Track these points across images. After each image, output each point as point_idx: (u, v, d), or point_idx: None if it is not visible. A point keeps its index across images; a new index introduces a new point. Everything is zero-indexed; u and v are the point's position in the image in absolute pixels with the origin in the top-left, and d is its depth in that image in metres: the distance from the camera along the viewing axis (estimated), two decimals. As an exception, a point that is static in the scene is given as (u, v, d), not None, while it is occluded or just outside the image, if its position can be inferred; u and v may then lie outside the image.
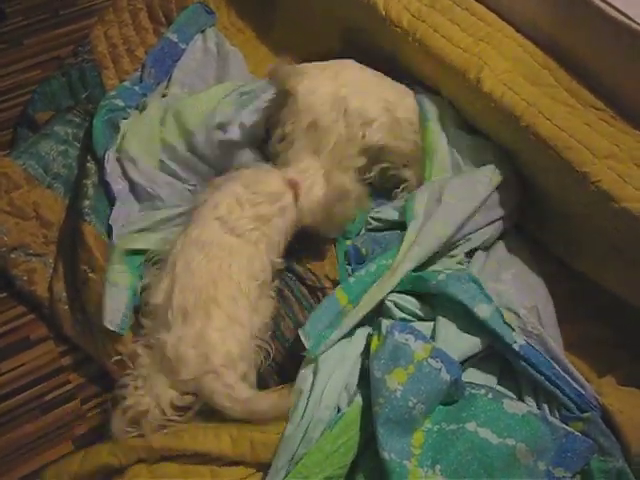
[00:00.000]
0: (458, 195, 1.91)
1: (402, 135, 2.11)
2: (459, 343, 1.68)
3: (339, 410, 1.63)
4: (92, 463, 1.67)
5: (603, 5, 1.77)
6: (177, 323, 1.72)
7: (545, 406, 1.64)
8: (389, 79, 2.17)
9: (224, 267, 1.78)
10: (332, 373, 1.66)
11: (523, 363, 1.64)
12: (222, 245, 1.81)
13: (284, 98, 2.03)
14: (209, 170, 2.24)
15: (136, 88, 2.57)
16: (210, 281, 1.76)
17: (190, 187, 2.25)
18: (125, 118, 2.41)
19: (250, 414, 1.64)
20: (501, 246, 1.98)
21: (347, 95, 2.04)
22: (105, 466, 1.66)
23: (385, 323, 1.69)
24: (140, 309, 1.88)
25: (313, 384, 1.65)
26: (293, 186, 1.91)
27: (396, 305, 1.78)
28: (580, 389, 1.64)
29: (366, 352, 1.70)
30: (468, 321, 1.70)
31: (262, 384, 1.83)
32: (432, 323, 1.74)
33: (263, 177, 1.93)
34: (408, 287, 1.81)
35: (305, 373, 1.69)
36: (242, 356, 1.73)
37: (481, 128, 2.07)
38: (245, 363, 1.73)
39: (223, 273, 1.77)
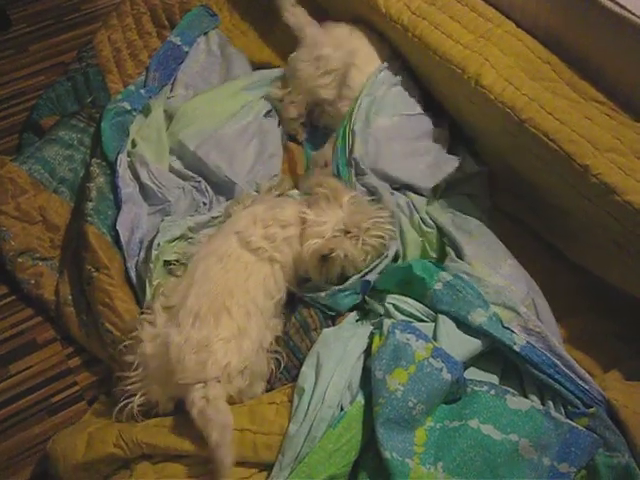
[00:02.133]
0: None
1: None
2: (461, 344, 1.68)
3: (342, 408, 1.63)
4: (97, 452, 1.69)
5: (603, -1, 1.77)
6: (186, 325, 1.73)
7: (550, 402, 1.64)
8: None
9: (240, 280, 1.81)
10: (334, 372, 1.66)
11: (526, 363, 1.64)
12: (239, 258, 1.85)
13: None
14: (213, 170, 2.26)
15: (142, 91, 2.59)
16: (226, 290, 1.78)
17: (195, 184, 2.27)
18: (132, 122, 2.43)
19: (207, 433, 1.62)
20: (495, 237, 1.98)
21: None
22: (110, 456, 1.69)
23: (387, 322, 1.69)
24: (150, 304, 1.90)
25: (315, 383, 1.66)
26: (303, 222, 1.91)
27: (396, 308, 1.78)
28: (584, 385, 1.63)
29: (368, 350, 1.70)
30: (467, 324, 1.71)
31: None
32: (433, 324, 1.74)
33: (282, 203, 1.99)
34: (406, 292, 1.82)
35: (306, 371, 1.70)
36: (242, 371, 1.73)
37: (478, 125, 2.07)
38: (244, 378, 1.73)
39: (240, 285, 1.80)
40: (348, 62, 2.29)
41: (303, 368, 1.72)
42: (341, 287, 1.87)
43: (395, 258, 1.98)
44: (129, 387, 1.75)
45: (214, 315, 1.74)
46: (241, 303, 1.78)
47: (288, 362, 1.83)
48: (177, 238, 2.07)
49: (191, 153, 2.30)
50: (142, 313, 1.88)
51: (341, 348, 1.71)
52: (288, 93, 2.43)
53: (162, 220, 2.12)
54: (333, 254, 1.83)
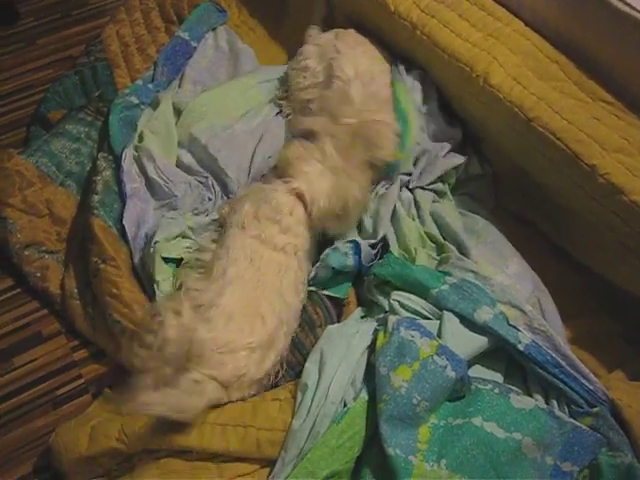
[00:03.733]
0: None
1: None
2: (466, 341, 1.68)
3: (345, 405, 1.64)
4: (100, 446, 1.70)
5: (612, -1, 1.76)
6: (218, 323, 1.72)
7: (554, 402, 1.64)
8: None
9: (276, 283, 1.81)
10: (338, 367, 1.67)
11: (530, 362, 1.65)
12: (271, 260, 1.85)
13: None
14: (222, 167, 2.26)
15: (150, 86, 2.59)
16: (263, 295, 1.78)
17: (202, 179, 2.27)
18: (140, 117, 2.43)
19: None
20: (502, 236, 1.98)
21: None
22: (113, 450, 1.69)
23: (392, 319, 1.69)
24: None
25: (319, 379, 1.66)
26: (300, 197, 1.94)
27: (401, 305, 1.78)
28: (588, 384, 1.63)
29: (372, 346, 1.70)
30: (473, 322, 1.71)
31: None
32: (438, 322, 1.74)
33: (271, 194, 1.96)
34: (411, 290, 1.82)
35: (310, 367, 1.70)
36: (256, 381, 1.74)
37: (485, 124, 2.07)
38: (251, 389, 1.74)
39: (275, 289, 1.80)
40: (331, 74, 2.26)
41: (307, 364, 1.72)
42: (332, 247, 1.96)
43: (386, 245, 2.00)
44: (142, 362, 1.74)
45: (248, 320, 1.74)
46: (276, 310, 1.78)
47: (292, 359, 1.83)
48: (176, 236, 2.06)
49: (202, 147, 2.29)
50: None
51: (345, 344, 1.72)
52: (287, 95, 2.44)
53: (162, 216, 2.12)
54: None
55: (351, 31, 2.33)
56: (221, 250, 1.90)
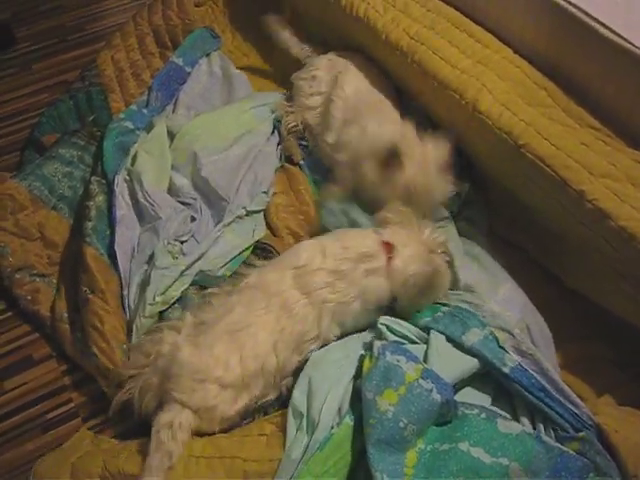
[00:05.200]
0: None
1: None
2: (453, 361, 1.68)
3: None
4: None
5: (599, 27, 1.78)
6: (203, 348, 1.71)
7: (541, 426, 1.63)
8: None
9: (276, 329, 1.74)
10: (327, 394, 1.66)
11: (515, 385, 1.65)
12: (286, 302, 1.76)
13: None
14: (214, 188, 2.28)
15: (144, 111, 2.62)
16: (255, 336, 1.73)
17: (190, 201, 2.28)
18: (135, 142, 2.45)
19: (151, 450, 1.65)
20: (490, 265, 1.98)
21: None
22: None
23: (377, 344, 1.68)
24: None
25: (309, 406, 1.66)
26: (388, 250, 1.81)
27: (388, 329, 1.78)
28: (574, 408, 1.63)
29: (359, 372, 1.69)
30: (461, 344, 1.72)
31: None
32: (425, 346, 1.74)
33: (357, 234, 1.88)
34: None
35: (298, 395, 1.70)
36: (227, 418, 1.73)
37: (475, 149, 2.09)
38: (225, 423, 1.74)
39: (272, 335, 1.73)
40: (333, 87, 2.34)
41: (295, 393, 1.71)
42: None
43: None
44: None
45: (228, 354, 1.70)
46: (261, 355, 1.71)
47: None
48: (170, 285, 2.04)
49: (195, 169, 2.32)
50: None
51: (333, 370, 1.71)
52: (291, 105, 2.48)
53: (153, 268, 2.05)
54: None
55: (360, 55, 2.40)
56: (253, 276, 1.86)
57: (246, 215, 2.24)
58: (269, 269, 1.86)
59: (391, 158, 1.96)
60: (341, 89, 2.30)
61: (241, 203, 2.25)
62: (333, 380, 1.69)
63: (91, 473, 1.69)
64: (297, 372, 1.78)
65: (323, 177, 2.33)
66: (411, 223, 1.86)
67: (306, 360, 1.78)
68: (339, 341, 1.85)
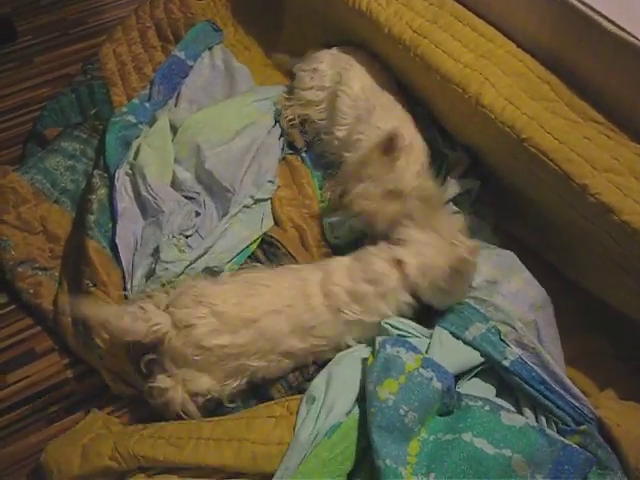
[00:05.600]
0: None
1: None
2: (456, 352, 1.70)
3: (340, 419, 1.64)
4: (93, 465, 1.70)
5: (602, 20, 1.78)
6: (218, 283, 1.84)
7: (542, 419, 1.65)
8: None
9: (286, 302, 1.78)
10: (345, 386, 1.67)
11: (515, 378, 1.66)
12: (306, 290, 1.79)
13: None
14: (218, 179, 2.28)
15: (146, 105, 2.61)
16: (266, 295, 1.79)
17: (194, 195, 2.28)
18: (138, 136, 2.45)
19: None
20: (505, 256, 1.96)
21: None
22: (106, 469, 1.69)
23: (378, 339, 1.70)
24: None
25: (326, 393, 1.67)
26: (398, 266, 1.78)
27: (393, 327, 1.78)
28: (575, 402, 1.64)
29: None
30: (463, 338, 1.73)
31: (267, 396, 1.85)
32: (428, 340, 1.75)
33: (370, 254, 1.85)
34: None
35: (318, 383, 1.71)
36: (200, 347, 1.74)
37: (478, 144, 2.10)
38: (197, 354, 1.75)
39: (281, 305, 1.77)
40: (338, 82, 2.33)
41: (315, 380, 1.73)
42: None
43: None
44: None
45: (231, 293, 1.78)
46: (259, 310, 1.76)
47: (292, 377, 1.85)
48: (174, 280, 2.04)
49: (199, 161, 2.32)
50: None
51: (353, 366, 1.72)
52: (290, 98, 2.48)
53: (158, 261, 2.05)
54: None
55: (363, 50, 2.39)
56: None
57: (254, 204, 2.25)
58: (304, 265, 1.95)
59: (390, 144, 1.95)
60: (347, 86, 2.29)
61: (248, 192, 2.25)
62: (353, 374, 1.70)
63: (102, 454, 1.69)
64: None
65: (324, 172, 2.35)
66: (428, 217, 1.84)
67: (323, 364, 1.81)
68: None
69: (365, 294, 1.77)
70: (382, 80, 2.31)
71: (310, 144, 2.44)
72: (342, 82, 2.31)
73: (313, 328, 1.78)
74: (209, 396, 1.79)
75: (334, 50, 2.44)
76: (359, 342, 1.82)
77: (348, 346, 1.81)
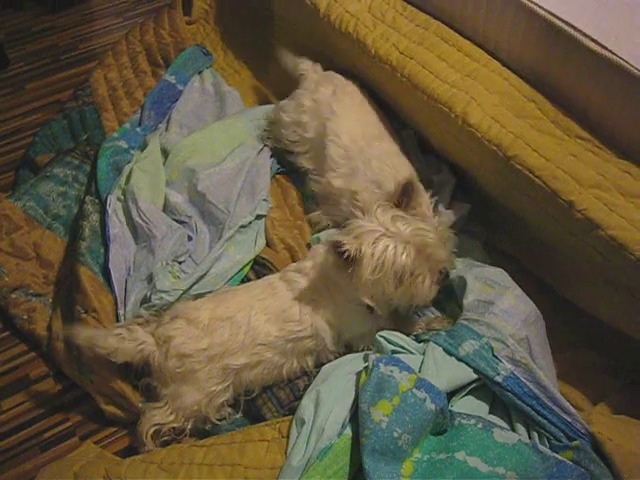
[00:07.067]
0: None
1: None
2: (450, 369, 1.70)
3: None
4: None
5: (585, 39, 1.80)
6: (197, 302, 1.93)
7: (535, 435, 1.65)
8: None
9: (257, 297, 1.91)
10: (334, 405, 1.68)
11: (508, 394, 1.66)
12: (271, 284, 1.95)
13: None
14: (212, 204, 2.30)
15: (137, 129, 2.63)
16: (238, 296, 1.93)
17: (186, 219, 2.29)
18: (129, 161, 2.46)
19: None
20: (496, 273, 1.97)
21: None
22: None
23: (372, 357, 1.70)
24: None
25: (315, 415, 1.67)
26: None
27: (387, 340, 1.79)
28: (567, 417, 1.64)
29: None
30: (457, 355, 1.74)
31: (258, 417, 1.86)
32: (421, 356, 1.76)
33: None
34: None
35: (306, 404, 1.72)
36: (181, 354, 1.83)
37: (465, 163, 2.11)
38: (179, 364, 1.83)
39: (253, 300, 1.90)
40: (322, 134, 2.28)
41: (303, 401, 1.74)
42: None
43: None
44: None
45: (204, 303, 1.92)
46: (231, 308, 1.88)
47: (282, 395, 1.87)
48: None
49: (191, 184, 2.34)
50: None
51: (342, 383, 1.73)
52: (270, 131, 2.50)
53: (154, 290, 2.05)
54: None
55: (349, 87, 2.35)
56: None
57: (254, 220, 2.28)
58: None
59: (405, 192, 1.85)
60: (336, 136, 2.23)
61: (244, 211, 2.28)
62: (341, 391, 1.71)
63: (93, 478, 1.70)
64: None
65: (311, 199, 2.37)
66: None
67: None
68: (348, 356, 1.88)
69: (305, 267, 1.94)
70: (369, 120, 2.29)
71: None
72: (328, 133, 2.25)
73: (284, 312, 1.87)
74: (192, 418, 1.85)
75: (315, 89, 2.37)
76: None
77: (324, 339, 1.88)
